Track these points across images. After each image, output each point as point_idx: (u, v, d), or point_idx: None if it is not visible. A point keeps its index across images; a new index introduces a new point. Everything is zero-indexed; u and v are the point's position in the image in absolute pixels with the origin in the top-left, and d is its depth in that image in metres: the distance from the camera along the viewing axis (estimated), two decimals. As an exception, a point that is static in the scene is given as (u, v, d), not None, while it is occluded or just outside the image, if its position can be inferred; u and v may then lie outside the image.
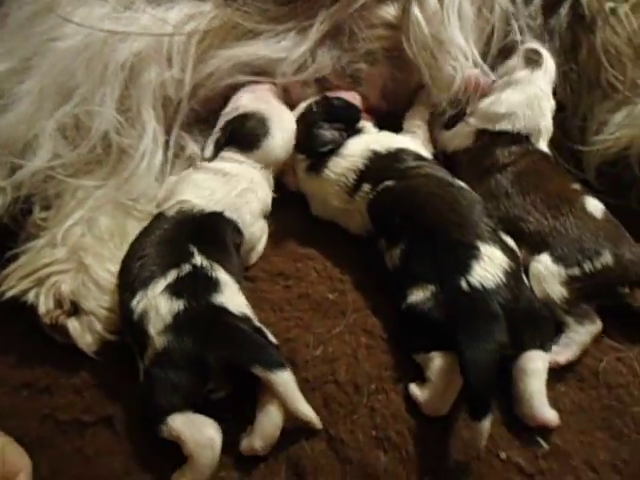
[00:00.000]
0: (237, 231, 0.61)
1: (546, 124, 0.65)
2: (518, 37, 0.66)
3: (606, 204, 0.62)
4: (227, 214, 0.60)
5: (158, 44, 0.59)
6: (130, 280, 0.54)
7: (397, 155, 0.63)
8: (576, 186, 0.63)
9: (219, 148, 0.64)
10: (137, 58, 0.58)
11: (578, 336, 0.55)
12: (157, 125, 0.61)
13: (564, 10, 0.69)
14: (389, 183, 0.60)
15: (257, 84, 0.67)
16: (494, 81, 0.67)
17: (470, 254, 0.53)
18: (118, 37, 0.56)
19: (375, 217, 0.61)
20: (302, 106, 0.68)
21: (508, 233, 0.59)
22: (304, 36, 0.65)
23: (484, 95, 0.67)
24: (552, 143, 0.68)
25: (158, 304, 0.52)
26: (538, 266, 0.56)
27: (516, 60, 0.66)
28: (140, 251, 0.55)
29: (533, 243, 0.58)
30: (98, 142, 0.59)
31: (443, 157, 0.69)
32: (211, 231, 0.59)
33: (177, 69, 0.61)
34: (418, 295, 0.54)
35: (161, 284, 0.53)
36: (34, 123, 0.55)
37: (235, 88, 0.66)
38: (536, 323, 0.53)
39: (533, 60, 0.65)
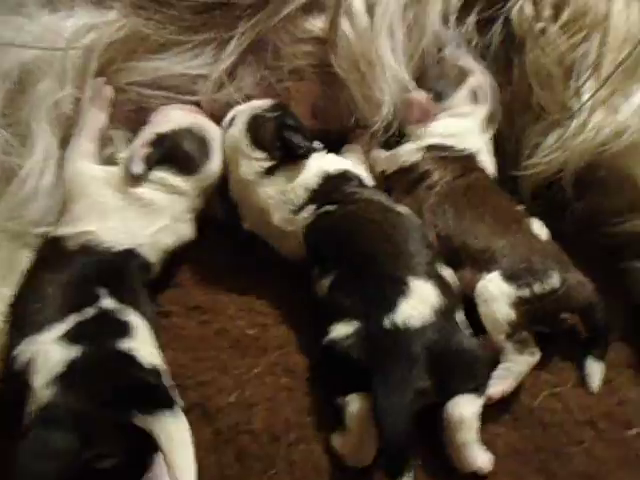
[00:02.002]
0: (148, 268, 0.55)
1: (488, 150, 0.64)
2: (453, 61, 0.64)
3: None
4: (138, 250, 0.54)
5: (50, 57, 0.53)
6: (20, 323, 0.48)
7: (343, 178, 0.59)
8: (519, 207, 0.61)
9: (150, 166, 0.56)
10: (25, 69, 0.52)
11: (515, 366, 0.52)
12: (52, 141, 0.54)
13: (497, 29, 0.68)
14: (330, 207, 0.57)
15: (176, 104, 0.61)
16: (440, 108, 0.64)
17: (398, 290, 0.49)
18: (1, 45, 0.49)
19: (310, 242, 0.57)
20: (258, 105, 0.61)
21: (454, 250, 0.56)
22: (224, 50, 0.61)
23: (427, 120, 0.64)
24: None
25: (49, 351, 0.45)
26: (488, 285, 0.53)
27: (460, 94, 0.64)
28: (37, 290, 0.49)
29: (481, 260, 0.55)
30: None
31: (381, 178, 0.65)
32: (120, 271, 0.53)
33: (72, 86, 0.55)
34: (340, 331, 0.50)
35: (57, 330, 0.46)
36: None
37: (146, 108, 0.60)
38: (469, 365, 0.49)
39: (477, 97, 0.64)
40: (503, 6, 0.66)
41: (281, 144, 0.59)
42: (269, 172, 0.59)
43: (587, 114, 0.61)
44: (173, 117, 0.59)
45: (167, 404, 0.44)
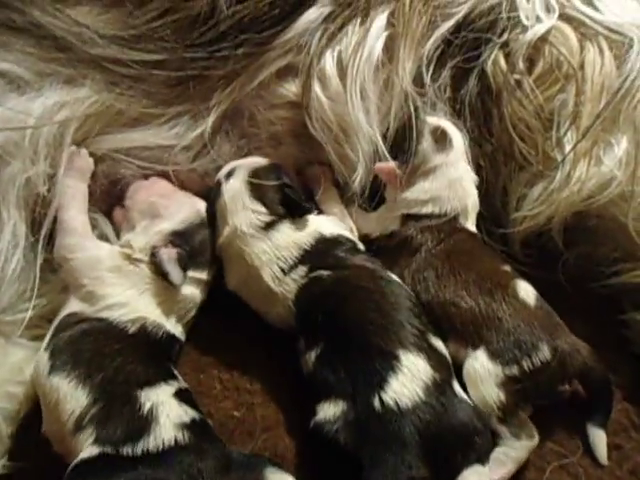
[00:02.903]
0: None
1: (472, 201, 0.62)
2: (423, 115, 0.63)
3: (533, 278, 0.58)
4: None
5: (20, 138, 0.52)
6: None
7: (336, 242, 0.57)
8: (506, 268, 0.58)
9: (188, 268, 0.55)
10: (-7, 155, 0.51)
11: (514, 452, 0.49)
12: (20, 225, 0.53)
13: (472, 81, 0.68)
14: (322, 273, 0.55)
15: (150, 178, 0.59)
16: (408, 168, 0.62)
17: (388, 365, 0.47)
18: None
19: (300, 308, 0.54)
20: (256, 160, 0.61)
21: (438, 318, 0.53)
22: (200, 121, 0.60)
23: (400, 187, 0.62)
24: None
25: None
26: (474, 364, 0.50)
27: (426, 144, 0.62)
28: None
29: (467, 333, 0.52)
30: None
31: (364, 241, 0.63)
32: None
33: (45, 163, 0.53)
34: (327, 412, 0.47)
35: None
36: None
37: (117, 173, 0.58)
38: (467, 438, 0.46)
39: (442, 140, 0.62)
40: (477, 59, 0.66)
41: (283, 201, 0.58)
42: (267, 227, 0.57)
43: (570, 166, 0.59)
44: (197, 207, 0.58)
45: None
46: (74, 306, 0.52)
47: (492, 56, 0.65)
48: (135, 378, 0.48)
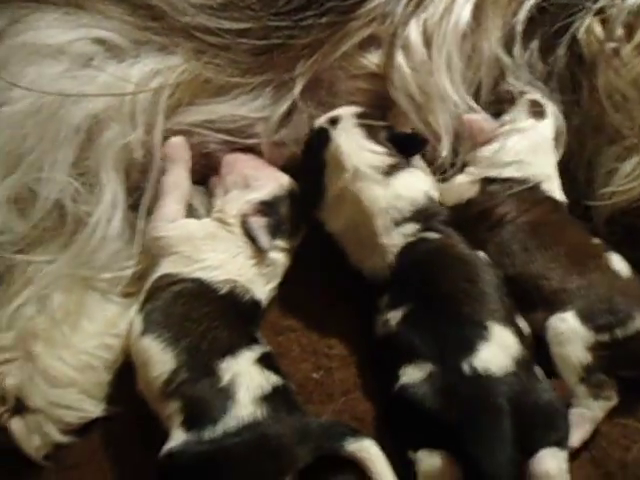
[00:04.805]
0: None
1: (555, 171, 0.60)
2: (512, 86, 0.61)
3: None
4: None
5: (119, 103, 0.54)
6: None
7: (439, 208, 0.57)
8: (596, 240, 0.56)
9: (274, 236, 0.57)
10: (95, 120, 0.53)
11: (589, 412, 0.48)
12: (119, 188, 0.55)
13: (562, 50, 0.65)
14: (431, 235, 0.54)
15: (238, 153, 0.62)
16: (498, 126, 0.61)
17: (478, 333, 0.46)
18: (73, 98, 0.51)
19: (400, 264, 0.53)
20: (352, 108, 0.59)
21: (525, 292, 0.52)
22: (282, 92, 0.60)
23: (485, 142, 0.61)
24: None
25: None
26: (561, 325, 0.49)
27: (518, 111, 0.60)
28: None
29: (556, 301, 0.51)
30: (52, 211, 0.53)
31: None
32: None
33: (142, 129, 0.56)
34: (412, 375, 0.47)
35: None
36: (-22, 197, 0.50)
37: (204, 147, 0.60)
38: (550, 418, 0.45)
39: (537, 112, 0.60)
40: (568, 27, 0.64)
41: (395, 139, 0.57)
42: (388, 172, 0.55)
43: (670, 138, 0.57)
44: (276, 176, 0.60)
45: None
46: (167, 267, 0.54)
47: (585, 23, 0.62)
48: (218, 345, 0.49)
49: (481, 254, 0.54)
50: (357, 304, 0.58)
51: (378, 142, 0.57)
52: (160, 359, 0.48)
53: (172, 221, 0.57)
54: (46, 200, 0.52)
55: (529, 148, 0.59)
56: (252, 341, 0.52)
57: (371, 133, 0.57)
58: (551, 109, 0.61)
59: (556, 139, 0.62)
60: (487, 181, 0.59)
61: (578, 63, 0.63)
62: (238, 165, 0.61)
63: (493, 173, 0.58)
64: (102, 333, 0.55)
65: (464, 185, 0.60)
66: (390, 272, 0.54)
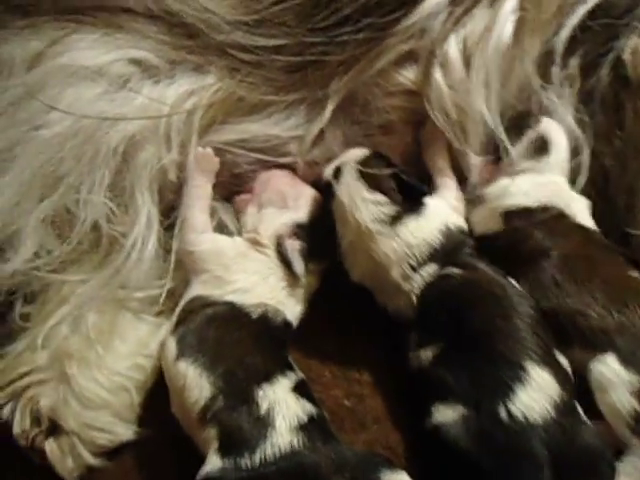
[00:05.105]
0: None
1: (579, 198, 0.58)
2: (545, 106, 0.59)
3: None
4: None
5: (154, 125, 0.54)
6: None
7: (461, 238, 0.56)
8: (634, 273, 0.54)
9: (306, 262, 0.56)
10: (131, 141, 0.53)
11: None
12: (153, 209, 0.55)
13: (605, 71, 0.63)
14: (453, 270, 0.53)
15: (273, 170, 0.61)
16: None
17: (515, 375, 0.45)
18: (110, 120, 0.51)
19: (424, 304, 0.53)
20: (358, 152, 0.59)
21: (562, 326, 0.51)
22: (316, 110, 0.59)
23: (495, 179, 0.60)
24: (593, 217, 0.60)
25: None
26: (602, 369, 0.48)
27: (522, 144, 0.59)
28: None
29: (594, 340, 0.50)
30: (88, 232, 0.53)
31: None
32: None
33: (176, 150, 0.55)
34: (445, 415, 0.46)
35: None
36: (15, 218, 0.50)
37: (236, 166, 0.60)
38: (594, 465, 0.44)
39: (540, 146, 0.58)
40: (612, 47, 0.61)
41: (400, 186, 0.56)
42: (393, 221, 0.55)
43: None
44: (301, 200, 0.58)
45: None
46: (199, 289, 0.54)
47: (631, 44, 0.60)
48: (254, 372, 0.49)
49: (514, 284, 0.53)
50: (387, 327, 0.57)
51: (381, 191, 0.56)
52: (197, 385, 0.48)
53: (201, 232, 0.56)
54: (83, 221, 0.52)
55: (546, 180, 0.58)
56: (286, 366, 0.51)
57: (374, 183, 0.56)
58: (561, 139, 0.59)
59: (576, 165, 0.60)
60: (509, 214, 0.57)
61: (622, 84, 0.61)
62: (273, 182, 0.60)
63: (510, 201, 0.57)
64: (134, 354, 0.56)
65: (487, 217, 0.59)
66: (414, 312, 0.53)
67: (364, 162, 0.58)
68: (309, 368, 0.57)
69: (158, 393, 0.54)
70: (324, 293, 0.60)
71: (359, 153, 0.59)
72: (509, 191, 0.58)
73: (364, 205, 0.56)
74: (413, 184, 0.56)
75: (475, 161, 0.60)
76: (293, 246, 0.55)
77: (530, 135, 0.60)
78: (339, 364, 0.58)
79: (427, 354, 0.50)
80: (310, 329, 0.59)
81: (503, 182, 0.59)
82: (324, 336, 0.59)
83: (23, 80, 0.52)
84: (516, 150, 0.60)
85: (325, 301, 0.60)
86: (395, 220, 0.55)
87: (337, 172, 0.59)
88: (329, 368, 0.57)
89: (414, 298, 0.53)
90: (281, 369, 0.50)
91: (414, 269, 0.54)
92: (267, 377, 0.49)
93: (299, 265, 0.54)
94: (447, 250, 0.54)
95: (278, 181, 0.60)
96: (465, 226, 0.59)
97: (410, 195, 0.56)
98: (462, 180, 0.63)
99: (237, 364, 0.49)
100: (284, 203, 0.58)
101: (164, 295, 0.55)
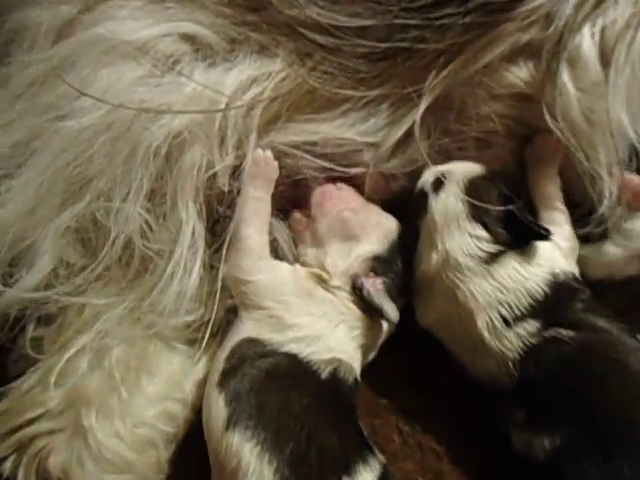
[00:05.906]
0: None
1: None
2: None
3: None
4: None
5: (207, 120, 0.43)
6: None
7: (572, 289, 0.45)
8: None
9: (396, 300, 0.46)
10: (177, 140, 0.42)
11: None
12: (198, 224, 0.45)
13: None
14: (562, 332, 0.42)
15: (333, 185, 0.49)
16: None
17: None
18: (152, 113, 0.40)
19: (526, 374, 0.43)
20: (471, 168, 0.49)
21: None
22: (402, 111, 0.48)
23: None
24: None
25: None
26: None
27: None
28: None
29: None
30: (118, 247, 0.43)
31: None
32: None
33: (232, 152, 0.45)
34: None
35: None
36: (30, 228, 0.40)
37: (296, 173, 0.48)
38: None
39: None
40: None
41: (509, 224, 0.45)
42: (490, 260, 0.45)
43: None
44: (372, 226, 0.47)
45: None
46: (251, 329, 0.43)
47: None
48: (330, 458, 0.38)
49: None
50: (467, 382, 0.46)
51: (484, 225, 0.45)
52: (255, 471, 0.37)
53: (259, 258, 0.45)
54: (113, 235, 0.42)
55: None
56: (365, 447, 0.40)
57: (478, 212, 0.46)
58: None
59: None
60: None
61: None
62: (331, 205, 0.48)
63: None
64: (164, 397, 0.46)
65: (616, 259, 0.48)
66: (513, 384, 0.43)
67: (474, 182, 0.47)
68: (373, 428, 0.47)
69: (190, 451, 0.45)
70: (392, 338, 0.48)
71: (471, 169, 0.49)
72: None
73: (459, 235, 0.45)
74: (530, 226, 0.45)
75: (608, 184, 0.48)
76: (376, 286, 0.44)
77: None
78: (411, 426, 0.47)
79: (543, 443, 0.40)
80: (377, 380, 0.49)
81: None
82: (393, 390, 0.48)
83: (48, 54, 0.41)
84: None
85: (394, 348, 0.48)
86: (492, 259, 0.45)
87: (438, 183, 0.48)
88: (398, 430, 0.47)
89: (510, 363, 0.43)
90: (361, 454, 0.39)
91: (507, 323, 0.44)
92: (347, 467, 0.38)
93: (391, 309, 0.43)
94: (552, 305, 0.44)
95: (336, 204, 0.48)
96: (578, 273, 0.47)
97: (519, 234, 0.45)
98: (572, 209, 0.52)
99: (307, 445, 0.38)
100: (349, 232, 0.47)
101: (196, 320, 0.45)
